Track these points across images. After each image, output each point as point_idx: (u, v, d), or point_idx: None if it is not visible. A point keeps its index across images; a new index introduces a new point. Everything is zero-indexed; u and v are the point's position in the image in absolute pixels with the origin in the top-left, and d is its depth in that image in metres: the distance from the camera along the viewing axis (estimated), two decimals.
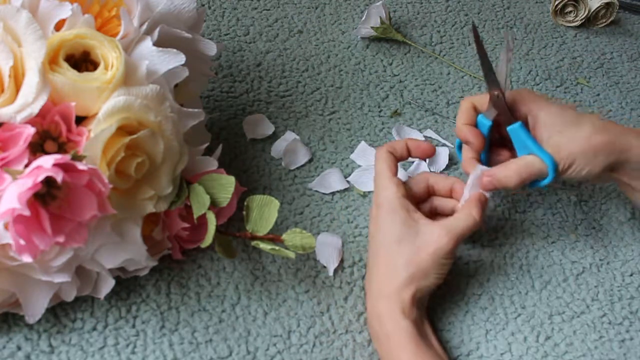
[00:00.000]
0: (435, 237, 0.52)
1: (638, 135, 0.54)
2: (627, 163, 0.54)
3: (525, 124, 0.56)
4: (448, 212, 0.58)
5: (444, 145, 0.69)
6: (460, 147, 0.61)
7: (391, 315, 0.51)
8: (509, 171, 0.54)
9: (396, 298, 0.51)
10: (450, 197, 0.57)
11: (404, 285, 0.51)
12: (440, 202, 0.58)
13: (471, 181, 0.55)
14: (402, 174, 0.65)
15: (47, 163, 0.40)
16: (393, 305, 0.51)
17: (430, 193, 0.58)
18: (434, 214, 0.58)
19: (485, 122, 0.57)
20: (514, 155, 0.57)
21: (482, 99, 0.58)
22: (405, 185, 0.56)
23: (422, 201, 0.58)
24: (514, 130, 0.55)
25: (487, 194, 0.55)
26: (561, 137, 0.54)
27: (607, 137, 0.53)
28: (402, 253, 0.52)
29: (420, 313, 0.52)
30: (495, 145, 0.60)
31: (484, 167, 0.56)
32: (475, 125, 0.58)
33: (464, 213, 0.53)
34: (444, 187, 0.57)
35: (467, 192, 0.55)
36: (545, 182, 0.55)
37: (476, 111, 0.58)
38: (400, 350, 0.50)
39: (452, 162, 0.68)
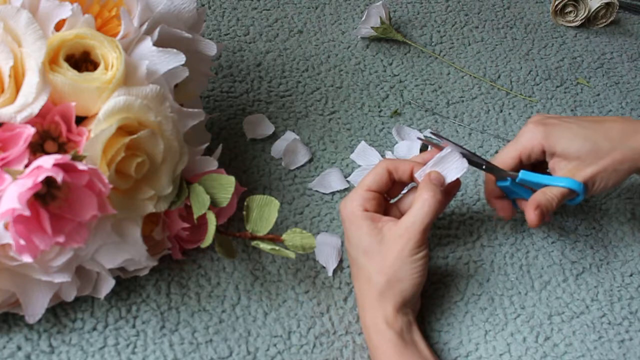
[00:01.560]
0: (398, 238, 0.50)
1: None
2: None
3: (543, 155, 0.56)
4: None
5: None
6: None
7: (376, 326, 0.51)
8: (547, 200, 0.54)
9: (378, 309, 0.51)
10: (412, 181, 0.55)
11: (382, 295, 0.51)
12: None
13: (434, 160, 0.54)
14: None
15: (47, 163, 0.40)
16: (377, 317, 0.51)
17: (394, 180, 0.55)
18: None
19: (506, 184, 0.57)
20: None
21: (504, 161, 0.58)
22: (370, 187, 0.54)
23: (396, 190, 0.56)
24: (524, 177, 0.55)
25: (438, 170, 0.54)
26: (580, 163, 0.54)
27: (625, 151, 0.54)
28: (372, 263, 0.51)
29: (408, 319, 0.52)
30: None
31: (447, 149, 0.54)
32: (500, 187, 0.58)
33: (418, 202, 0.51)
34: (404, 171, 0.54)
35: (427, 170, 0.54)
36: (576, 201, 0.56)
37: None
38: None
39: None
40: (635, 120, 0.56)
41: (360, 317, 0.53)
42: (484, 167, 0.56)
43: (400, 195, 0.57)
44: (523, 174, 0.56)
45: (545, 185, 0.55)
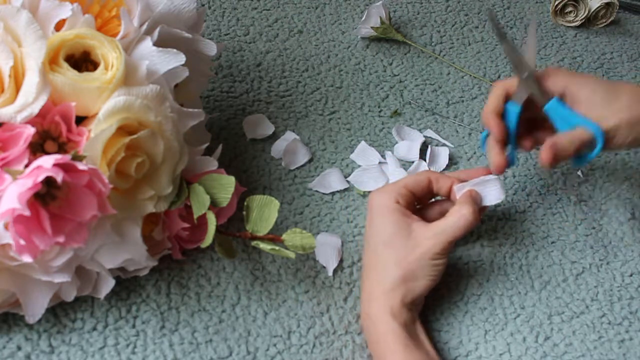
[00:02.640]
0: (426, 240, 0.52)
1: None
2: None
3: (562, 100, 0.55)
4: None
5: (444, 145, 0.69)
6: (484, 140, 0.59)
7: (381, 317, 0.51)
8: (564, 142, 0.53)
9: (386, 300, 0.51)
10: (449, 197, 0.57)
11: (393, 287, 0.51)
12: (447, 205, 0.57)
13: (476, 180, 0.55)
14: (402, 175, 0.65)
15: (47, 163, 0.40)
16: (383, 307, 0.51)
17: (431, 192, 0.57)
18: (441, 213, 0.58)
19: (514, 109, 0.55)
20: (540, 142, 0.57)
21: (515, 83, 0.56)
22: (407, 186, 0.55)
23: (425, 200, 0.58)
24: (552, 107, 0.54)
25: (486, 187, 0.55)
26: (602, 110, 0.54)
27: None
28: (393, 255, 0.52)
29: (412, 315, 0.52)
30: (522, 132, 0.58)
31: (492, 176, 0.55)
32: (503, 112, 0.56)
33: (455, 214, 0.53)
34: (444, 186, 0.56)
35: (467, 187, 0.55)
36: (594, 154, 0.54)
37: (507, 98, 0.56)
38: (389, 353, 0.50)
39: (452, 162, 0.68)
40: None
41: (365, 307, 0.53)
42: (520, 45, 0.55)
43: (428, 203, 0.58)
44: (553, 104, 0.54)
45: (568, 125, 0.54)
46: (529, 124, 0.58)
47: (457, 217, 0.52)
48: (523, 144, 0.59)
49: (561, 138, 0.54)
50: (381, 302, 0.51)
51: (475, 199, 0.54)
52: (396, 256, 0.52)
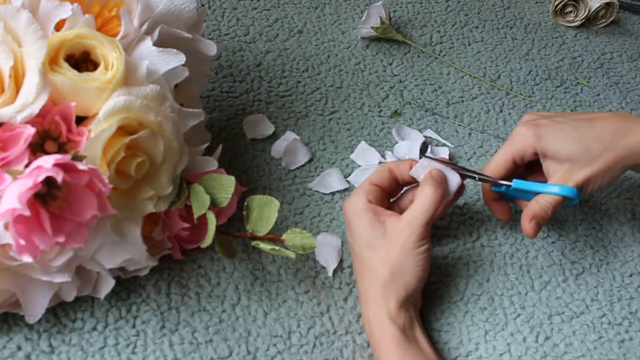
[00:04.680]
0: (401, 232, 0.51)
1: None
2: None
3: (536, 156, 0.56)
4: None
5: (444, 145, 0.69)
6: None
7: (379, 321, 0.51)
8: (540, 211, 0.54)
9: (382, 304, 0.51)
10: (414, 181, 0.56)
11: (385, 287, 0.51)
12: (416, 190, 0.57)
13: (421, 163, 0.55)
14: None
15: (47, 163, 0.40)
16: (380, 311, 0.51)
17: (397, 181, 0.57)
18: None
19: (499, 188, 0.58)
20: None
21: (498, 165, 0.58)
22: (372, 181, 0.55)
23: (396, 192, 0.57)
24: (518, 185, 0.56)
25: (439, 167, 0.55)
26: (573, 166, 0.54)
27: (618, 153, 0.54)
28: (376, 257, 0.52)
29: (410, 316, 0.52)
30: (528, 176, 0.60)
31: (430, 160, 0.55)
32: (501, 192, 0.59)
33: (419, 196, 0.52)
34: (404, 170, 0.56)
35: (419, 169, 0.55)
36: (574, 203, 0.56)
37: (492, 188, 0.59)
38: (388, 357, 0.50)
39: (452, 161, 0.68)
40: (627, 116, 0.56)
41: (363, 312, 0.53)
42: (477, 178, 0.57)
43: (399, 194, 0.58)
44: (516, 183, 0.56)
45: (539, 193, 0.55)
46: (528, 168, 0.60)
47: (422, 199, 0.52)
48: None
49: (537, 207, 0.55)
50: (378, 305, 0.51)
51: (437, 177, 0.54)
52: (379, 256, 0.51)
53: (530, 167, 0.59)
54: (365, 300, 0.52)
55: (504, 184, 0.57)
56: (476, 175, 0.57)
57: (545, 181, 0.57)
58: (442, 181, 0.54)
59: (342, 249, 0.60)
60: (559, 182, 0.55)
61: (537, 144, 0.55)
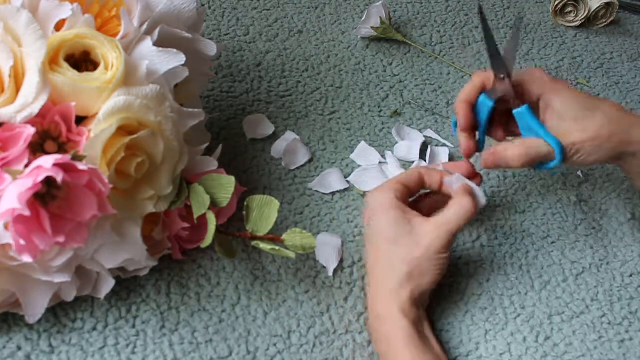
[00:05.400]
0: (429, 234, 0.52)
1: None
2: (632, 156, 0.54)
3: (534, 106, 0.55)
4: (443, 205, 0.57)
5: (444, 145, 0.69)
6: (455, 125, 0.59)
7: (390, 315, 0.51)
8: (515, 150, 0.54)
9: (395, 298, 0.51)
10: (440, 190, 0.57)
11: (401, 284, 0.51)
12: (437, 198, 0.58)
13: (456, 176, 0.56)
14: (393, 160, 0.65)
15: (47, 163, 0.40)
16: (392, 305, 0.51)
17: (423, 186, 0.57)
18: (433, 209, 0.58)
19: (487, 103, 0.56)
20: (510, 135, 0.57)
21: (492, 77, 0.57)
22: (400, 181, 0.56)
23: (415, 194, 0.58)
24: (520, 113, 0.55)
25: (473, 185, 0.55)
26: (572, 124, 0.54)
27: (616, 130, 0.53)
28: (398, 252, 0.52)
29: (420, 313, 0.52)
30: (495, 123, 0.59)
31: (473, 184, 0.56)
32: (475, 103, 0.57)
33: (456, 205, 0.53)
34: (435, 180, 0.56)
35: (457, 179, 0.55)
36: (552, 165, 0.54)
37: (483, 89, 0.57)
38: (399, 352, 0.50)
39: (452, 162, 0.68)
40: (626, 111, 0.56)
41: (372, 305, 0.53)
42: (497, 49, 0.55)
43: (416, 196, 0.59)
44: (522, 111, 0.54)
45: (531, 134, 0.54)
46: (504, 115, 0.58)
47: (458, 208, 0.53)
48: (495, 133, 0.59)
49: (513, 148, 0.54)
50: (390, 299, 0.51)
51: (470, 193, 0.54)
52: (401, 253, 0.52)
53: (500, 117, 0.58)
54: (376, 293, 0.53)
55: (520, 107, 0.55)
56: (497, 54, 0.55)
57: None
58: (475, 197, 0.55)
59: (343, 249, 0.60)
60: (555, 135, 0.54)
61: (549, 90, 0.55)
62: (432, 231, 0.52)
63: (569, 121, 0.54)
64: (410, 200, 0.58)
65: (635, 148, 0.54)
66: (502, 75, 0.55)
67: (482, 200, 0.55)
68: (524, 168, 0.55)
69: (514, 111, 0.55)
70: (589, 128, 0.53)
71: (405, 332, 0.50)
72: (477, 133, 0.58)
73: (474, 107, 0.57)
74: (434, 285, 0.53)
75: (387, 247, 0.53)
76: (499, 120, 0.59)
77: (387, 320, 0.51)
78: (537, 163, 0.55)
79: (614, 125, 0.53)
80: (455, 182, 0.55)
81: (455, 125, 0.59)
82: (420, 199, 0.59)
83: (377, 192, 0.55)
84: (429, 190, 0.58)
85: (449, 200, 0.56)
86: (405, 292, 0.51)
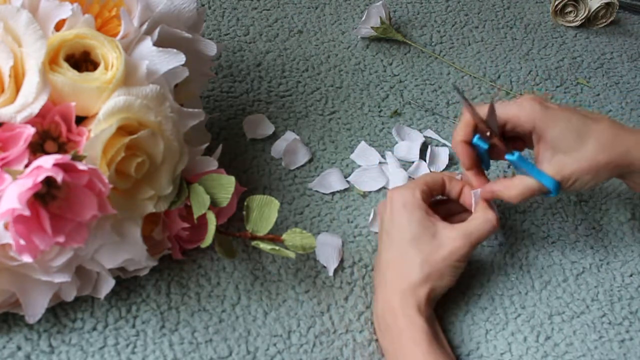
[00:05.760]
0: (452, 241, 0.53)
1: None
2: (631, 174, 0.54)
3: (527, 138, 0.55)
4: (458, 214, 0.59)
5: (444, 145, 0.69)
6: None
7: (406, 311, 0.51)
8: (512, 192, 0.54)
9: (412, 294, 0.51)
10: (458, 199, 0.58)
11: (420, 283, 0.52)
12: (453, 206, 0.59)
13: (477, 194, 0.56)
14: (402, 175, 0.65)
15: (47, 163, 0.40)
16: (408, 301, 0.51)
17: (443, 192, 0.58)
18: (449, 215, 0.59)
19: (482, 145, 0.55)
20: (515, 149, 0.56)
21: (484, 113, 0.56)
22: (427, 184, 0.56)
23: (437, 200, 0.59)
24: (512, 160, 0.54)
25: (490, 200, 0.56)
26: (565, 157, 0.53)
27: (612, 155, 0.52)
28: (419, 252, 0.53)
29: (432, 313, 0.53)
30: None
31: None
32: (472, 141, 0.56)
33: (481, 218, 0.54)
34: (455, 188, 0.57)
35: (478, 193, 0.56)
36: (550, 196, 0.55)
37: (476, 129, 0.56)
38: (414, 347, 0.50)
39: (452, 162, 0.68)
40: (618, 124, 0.55)
41: (385, 299, 0.53)
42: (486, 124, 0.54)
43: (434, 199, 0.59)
44: (514, 158, 0.53)
45: (527, 173, 0.54)
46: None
47: (484, 221, 0.54)
48: (498, 156, 0.58)
49: (509, 189, 0.54)
50: (407, 295, 0.52)
51: (493, 207, 0.55)
52: (422, 254, 0.52)
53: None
54: (393, 287, 0.53)
55: (512, 154, 0.54)
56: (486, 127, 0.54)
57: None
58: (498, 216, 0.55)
59: (343, 249, 0.59)
60: (550, 173, 0.53)
61: (540, 122, 0.53)
62: (456, 238, 0.53)
63: (563, 153, 0.53)
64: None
65: (637, 167, 0.53)
66: (488, 133, 0.55)
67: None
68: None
69: (507, 157, 0.54)
70: (584, 158, 0.52)
71: (421, 330, 0.50)
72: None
73: (471, 143, 0.56)
74: (446, 290, 0.54)
75: (407, 245, 0.53)
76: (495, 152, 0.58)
77: (402, 315, 0.51)
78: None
79: (609, 150, 0.52)
80: (478, 196, 0.56)
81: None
82: (438, 203, 0.60)
83: (404, 190, 0.55)
84: (444, 197, 0.59)
85: (463, 209, 0.58)
86: (423, 291, 0.52)
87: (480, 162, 0.57)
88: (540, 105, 0.54)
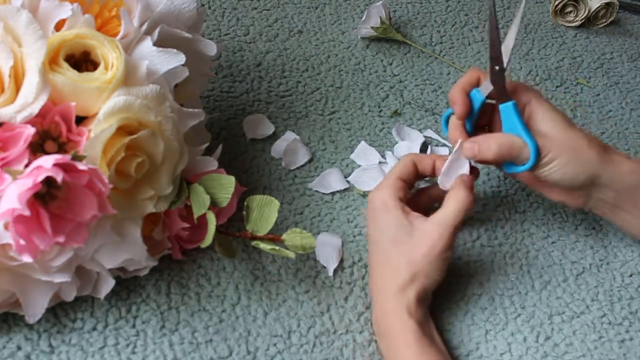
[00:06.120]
0: (429, 234, 0.52)
1: (622, 156, 0.54)
2: (611, 182, 0.53)
3: (520, 109, 0.55)
4: (439, 198, 0.58)
5: (444, 145, 0.69)
6: (447, 121, 0.59)
7: (397, 314, 0.51)
8: (490, 140, 0.53)
9: (402, 297, 0.51)
10: (434, 174, 0.57)
11: (407, 285, 0.51)
12: (434, 190, 0.59)
13: (453, 156, 0.55)
14: (393, 161, 0.66)
15: (47, 163, 0.40)
16: (399, 304, 0.51)
17: (417, 174, 0.57)
18: (431, 202, 0.59)
19: (479, 97, 0.56)
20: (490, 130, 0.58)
21: (485, 74, 0.57)
22: (401, 176, 0.55)
23: (413, 183, 0.58)
24: (506, 108, 0.54)
25: (467, 172, 0.55)
26: (557, 131, 0.53)
27: (601, 149, 0.53)
28: (400, 253, 0.52)
29: (425, 312, 0.53)
30: (481, 125, 0.59)
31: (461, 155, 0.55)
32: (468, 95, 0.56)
33: (453, 200, 0.53)
34: (427, 165, 0.56)
35: (447, 165, 0.55)
36: (522, 168, 0.53)
37: (477, 84, 0.57)
38: (406, 350, 0.50)
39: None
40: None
41: (379, 304, 0.53)
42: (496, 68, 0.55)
43: (415, 190, 0.60)
44: (508, 105, 0.54)
45: (512, 131, 0.54)
46: (488, 114, 0.58)
47: (456, 202, 0.52)
48: (478, 131, 0.59)
49: (488, 138, 0.53)
50: (398, 298, 0.51)
51: (468, 183, 0.54)
52: (404, 255, 0.52)
53: (484, 115, 0.58)
54: (383, 292, 0.53)
55: (503, 97, 0.54)
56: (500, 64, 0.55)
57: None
58: (473, 187, 0.54)
59: (343, 249, 0.60)
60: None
61: (537, 100, 0.54)
62: (432, 230, 0.52)
63: (553, 127, 0.53)
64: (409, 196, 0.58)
65: (618, 170, 0.53)
66: (497, 67, 0.55)
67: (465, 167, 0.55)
68: (496, 163, 0.55)
69: (500, 105, 0.54)
70: (574, 139, 0.53)
71: (412, 332, 0.50)
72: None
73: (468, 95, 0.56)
74: (437, 284, 0.53)
75: (390, 247, 0.53)
76: (482, 118, 0.58)
77: (395, 319, 0.51)
78: (508, 162, 0.54)
79: (597, 145, 0.53)
80: (447, 181, 0.55)
81: (446, 121, 0.58)
82: (418, 193, 0.59)
83: (377, 191, 0.55)
84: (424, 186, 0.59)
85: (443, 192, 0.56)
86: (411, 292, 0.51)
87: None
88: (534, 93, 0.55)
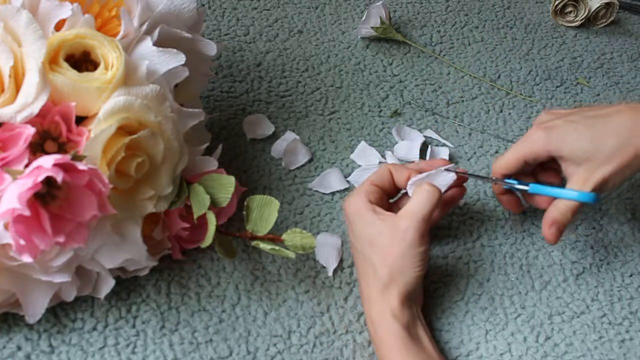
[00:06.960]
0: (397, 228, 0.51)
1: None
2: None
3: (550, 162, 0.56)
4: None
5: (444, 145, 0.69)
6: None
7: (382, 319, 0.51)
8: (563, 216, 0.54)
9: (384, 302, 0.51)
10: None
11: (387, 285, 0.51)
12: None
13: (430, 173, 0.55)
14: (393, 161, 0.65)
15: (47, 163, 0.40)
16: (383, 309, 0.51)
17: (393, 182, 0.57)
18: None
19: (512, 181, 0.58)
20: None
21: (509, 164, 0.57)
22: (373, 182, 0.55)
23: (394, 193, 0.58)
24: (534, 189, 0.56)
25: (433, 173, 0.55)
26: (589, 165, 0.53)
27: (634, 148, 0.52)
28: (376, 253, 0.52)
29: (413, 312, 0.52)
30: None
31: (447, 171, 0.56)
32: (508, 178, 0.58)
33: (417, 193, 0.52)
34: (402, 176, 0.56)
35: (422, 175, 0.55)
36: (591, 203, 0.55)
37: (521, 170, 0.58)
38: (391, 355, 0.50)
39: (452, 162, 0.68)
40: None
41: (366, 310, 0.53)
42: (493, 179, 0.58)
43: (398, 196, 0.59)
44: (533, 188, 0.56)
45: (557, 194, 0.55)
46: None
47: (420, 194, 0.52)
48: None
49: (557, 212, 0.54)
50: (380, 304, 0.51)
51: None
52: (379, 255, 0.51)
53: (541, 165, 0.58)
54: (368, 298, 0.52)
55: (520, 188, 0.57)
56: (492, 179, 0.58)
57: (555, 180, 0.58)
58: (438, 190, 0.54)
59: (342, 249, 0.60)
60: (577, 184, 0.53)
61: (551, 146, 0.54)
62: (400, 223, 0.51)
63: (585, 163, 0.53)
64: (392, 201, 0.58)
65: None
66: (494, 179, 0.58)
67: (449, 180, 0.56)
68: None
69: (529, 191, 0.57)
70: (607, 159, 0.52)
71: (396, 336, 0.50)
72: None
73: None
74: (419, 281, 0.52)
75: (367, 250, 0.52)
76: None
77: (380, 324, 0.51)
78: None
79: (631, 142, 0.52)
80: (415, 183, 0.55)
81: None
82: (401, 198, 0.59)
83: (350, 197, 0.55)
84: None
85: None
86: (393, 294, 0.51)
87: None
88: (544, 131, 0.55)
